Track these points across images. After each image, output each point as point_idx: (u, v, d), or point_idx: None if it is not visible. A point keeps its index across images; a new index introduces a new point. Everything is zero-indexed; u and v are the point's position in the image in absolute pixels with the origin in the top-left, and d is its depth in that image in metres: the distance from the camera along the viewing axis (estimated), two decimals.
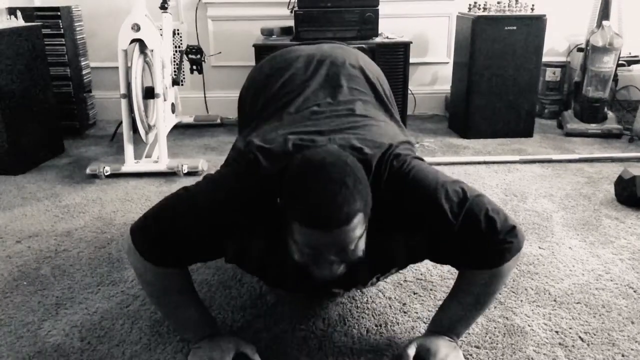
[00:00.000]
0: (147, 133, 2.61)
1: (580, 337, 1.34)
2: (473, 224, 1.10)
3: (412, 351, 1.22)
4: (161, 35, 2.71)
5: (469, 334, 1.35)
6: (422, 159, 1.20)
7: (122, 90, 2.47)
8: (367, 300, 1.51)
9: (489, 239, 1.11)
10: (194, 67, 3.10)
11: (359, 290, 1.54)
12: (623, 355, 1.27)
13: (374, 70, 1.51)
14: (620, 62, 3.13)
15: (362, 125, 1.23)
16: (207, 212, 1.12)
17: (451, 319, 1.26)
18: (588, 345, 1.31)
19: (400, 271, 1.64)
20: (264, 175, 1.09)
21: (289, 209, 1.00)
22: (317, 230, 0.96)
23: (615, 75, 3.14)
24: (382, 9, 2.97)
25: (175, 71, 3.09)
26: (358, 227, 0.99)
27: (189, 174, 2.49)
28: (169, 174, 2.50)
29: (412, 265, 1.64)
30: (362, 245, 1.03)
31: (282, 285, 1.30)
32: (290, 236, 1.02)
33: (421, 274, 1.64)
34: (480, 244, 1.12)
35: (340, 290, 1.25)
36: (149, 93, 2.58)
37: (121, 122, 2.58)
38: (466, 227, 1.10)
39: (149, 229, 1.16)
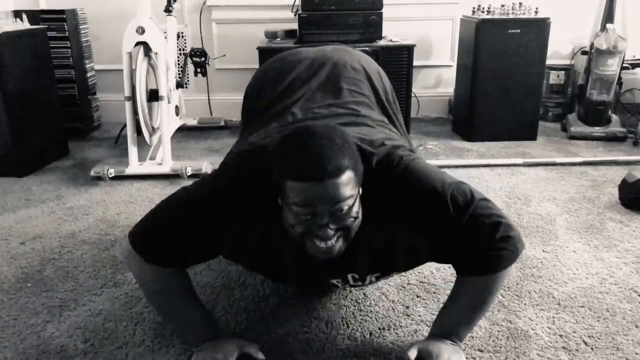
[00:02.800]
0: (151, 135, 2.62)
1: (584, 341, 1.34)
2: (477, 226, 1.10)
3: (413, 354, 1.22)
4: (165, 38, 2.72)
5: (472, 337, 1.35)
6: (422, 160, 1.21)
7: (127, 92, 2.48)
8: (370, 303, 1.51)
9: (489, 244, 1.11)
10: (198, 70, 3.10)
11: (361, 292, 1.54)
12: (627, 359, 1.27)
13: (376, 73, 1.51)
14: (624, 65, 3.13)
15: (362, 124, 1.25)
16: (205, 201, 1.14)
17: (452, 323, 1.26)
18: (592, 349, 1.31)
19: (403, 274, 1.64)
20: (261, 169, 1.11)
21: (282, 170, 1.02)
22: (308, 182, 0.99)
23: (620, 78, 3.13)
24: (386, 12, 2.98)
25: (179, 74, 3.10)
26: (349, 186, 1.01)
27: (193, 176, 2.50)
28: (173, 176, 2.50)
29: (415, 269, 1.64)
30: (355, 209, 1.04)
31: (280, 276, 1.30)
32: (285, 205, 1.03)
33: (424, 277, 1.63)
34: (480, 247, 1.12)
35: (338, 281, 1.24)
36: (153, 95, 2.59)
37: (125, 125, 2.59)
38: (470, 228, 1.10)
39: (147, 229, 1.18)
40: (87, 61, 3.26)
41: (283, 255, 1.17)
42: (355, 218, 1.06)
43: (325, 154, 0.99)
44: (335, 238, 1.05)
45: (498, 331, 1.38)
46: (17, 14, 2.78)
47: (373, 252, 1.16)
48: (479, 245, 1.12)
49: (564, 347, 1.31)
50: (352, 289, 1.56)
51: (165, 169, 2.53)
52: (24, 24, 2.69)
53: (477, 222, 1.10)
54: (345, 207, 1.02)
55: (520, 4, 2.97)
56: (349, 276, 1.23)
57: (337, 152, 1.00)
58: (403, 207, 1.12)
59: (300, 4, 2.92)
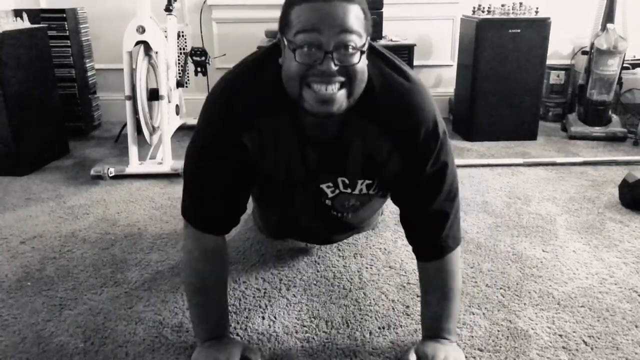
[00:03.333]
0: (151, 135, 2.62)
1: (584, 340, 1.34)
2: (438, 187, 1.18)
3: (413, 358, 1.22)
4: (166, 37, 2.72)
5: (472, 336, 1.35)
6: None
7: (127, 92, 2.48)
8: (370, 302, 1.51)
9: (434, 231, 1.21)
10: (199, 69, 3.10)
11: (361, 291, 1.54)
12: (627, 359, 1.27)
13: None
14: (624, 65, 3.13)
15: None
16: (214, 127, 1.16)
17: (434, 320, 1.27)
18: (592, 349, 1.31)
19: (403, 274, 1.64)
20: (256, 72, 1.15)
21: (287, 6, 1.03)
22: (316, 2, 0.98)
23: (620, 78, 3.13)
24: (386, 11, 2.98)
25: (179, 73, 3.10)
26: (357, 22, 1.00)
27: None
28: (173, 176, 2.50)
29: (414, 268, 1.64)
30: (361, 59, 1.02)
31: (278, 176, 1.28)
32: (288, 46, 1.02)
33: None
34: (428, 235, 1.22)
35: (329, 186, 1.25)
36: (154, 95, 2.59)
37: (126, 124, 2.59)
38: (431, 185, 1.17)
39: (186, 196, 1.24)
40: (87, 60, 3.26)
41: (288, 153, 1.19)
42: (360, 69, 1.03)
43: None
44: (338, 85, 1.01)
45: (498, 331, 1.38)
46: (18, 13, 2.79)
47: (363, 155, 1.18)
48: (430, 229, 1.21)
49: (563, 347, 1.31)
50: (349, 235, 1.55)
51: (166, 168, 2.53)
52: (25, 23, 2.69)
53: (439, 181, 1.17)
54: (351, 44, 0.99)
55: (521, 3, 2.98)
56: (339, 180, 1.24)
57: None
58: (397, 120, 1.13)
59: None
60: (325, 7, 0.98)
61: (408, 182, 1.19)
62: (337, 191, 1.28)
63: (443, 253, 1.23)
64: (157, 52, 2.54)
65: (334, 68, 0.99)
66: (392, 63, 1.16)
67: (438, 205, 1.19)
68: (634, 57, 3.42)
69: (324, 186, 1.26)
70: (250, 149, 1.17)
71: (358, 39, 1.01)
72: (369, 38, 1.05)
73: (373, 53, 1.14)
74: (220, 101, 1.17)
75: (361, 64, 1.03)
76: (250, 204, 1.49)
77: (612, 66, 3.04)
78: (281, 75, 1.08)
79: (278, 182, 1.27)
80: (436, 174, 1.17)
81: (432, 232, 1.22)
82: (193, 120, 3.30)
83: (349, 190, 1.26)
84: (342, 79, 1.01)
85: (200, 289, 1.27)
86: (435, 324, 1.26)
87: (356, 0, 1.01)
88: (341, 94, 1.03)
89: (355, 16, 1.00)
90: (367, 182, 1.25)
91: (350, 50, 1.00)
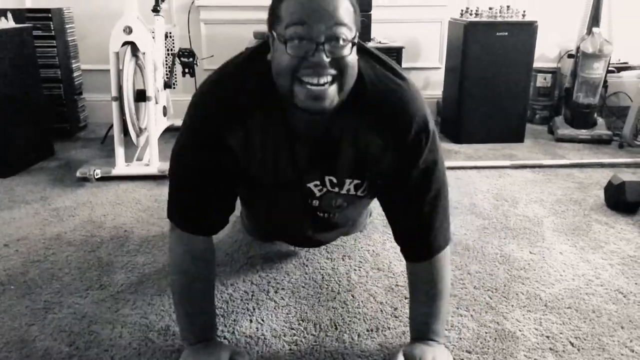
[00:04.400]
0: (138, 136, 2.60)
1: (570, 342, 1.34)
2: (426, 187, 1.17)
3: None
4: (153, 38, 2.70)
5: (460, 338, 1.35)
6: None
7: (114, 93, 2.46)
8: (358, 305, 1.50)
9: (423, 231, 1.21)
10: (186, 70, 3.08)
11: (349, 294, 1.54)
12: None
13: None
14: (610, 68, 3.16)
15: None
16: (203, 108, 1.17)
17: (422, 322, 1.26)
18: (578, 350, 1.31)
19: (391, 275, 1.64)
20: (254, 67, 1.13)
21: (276, 0, 1.03)
22: None
23: (605, 81, 3.17)
24: (375, 14, 2.98)
25: (167, 74, 3.08)
26: (348, 15, 1.00)
27: None
28: (160, 177, 2.48)
29: (403, 270, 1.64)
30: (352, 52, 1.02)
31: (269, 183, 1.27)
32: (278, 40, 1.02)
33: None
34: (417, 233, 1.21)
35: (316, 184, 1.25)
36: (141, 96, 2.57)
37: (112, 125, 2.57)
38: (419, 190, 1.17)
39: (171, 198, 1.24)
40: (73, 61, 3.23)
41: (276, 152, 1.18)
42: (351, 62, 1.03)
43: None
44: (330, 78, 1.01)
45: (486, 332, 1.38)
46: (2, 12, 2.74)
47: (354, 152, 1.17)
48: (419, 229, 1.21)
49: (550, 349, 1.32)
50: (337, 239, 1.54)
51: (153, 169, 2.51)
52: (9, 23, 2.65)
53: (429, 180, 1.17)
54: (342, 36, 1.00)
55: (508, 7, 3.00)
56: (327, 179, 1.23)
57: None
58: (388, 115, 1.13)
59: None
60: (316, 0, 0.99)
61: (398, 180, 1.18)
62: (324, 190, 1.27)
63: (432, 253, 1.22)
64: (144, 53, 2.52)
65: (326, 60, 0.99)
66: (383, 62, 1.17)
67: (427, 204, 1.18)
68: (619, 60, 3.47)
69: (311, 185, 1.26)
70: (237, 150, 1.16)
71: (348, 32, 1.01)
72: (358, 32, 1.05)
73: (364, 52, 1.14)
74: (205, 102, 1.17)
75: (352, 56, 1.03)
76: (238, 206, 1.48)
77: (597, 69, 3.08)
78: (268, 73, 1.08)
79: (265, 182, 1.26)
80: (426, 172, 1.16)
81: (421, 232, 1.21)
82: (180, 122, 3.28)
83: (336, 190, 1.26)
84: (333, 71, 1.01)
85: (187, 291, 1.26)
86: (423, 326, 1.26)
87: None
88: (332, 89, 1.03)
89: (345, 9, 1.01)
90: (356, 182, 1.25)
91: (341, 43, 1.00)
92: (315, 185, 1.26)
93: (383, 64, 1.16)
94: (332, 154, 1.18)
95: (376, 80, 1.12)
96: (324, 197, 1.29)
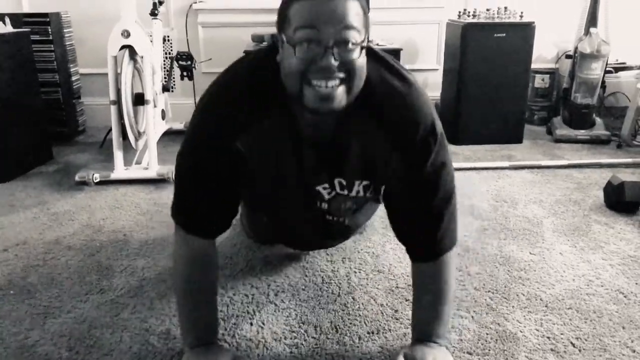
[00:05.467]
0: (136, 140, 2.60)
1: (571, 342, 1.34)
2: (435, 188, 1.17)
3: None
4: (151, 41, 2.70)
5: (461, 340, 1.35)
6: None
7: (112, 96, 2.46)
8: (358, 307, 1.50)
9: (431, 231, 1.19)
10: (184, 74, 3.08)
11: (349, 296, 1.53)
12: None
13: None
14: (607, 68, 3.17)
15: None
16: (210, 114, 1.16)
17: (425, 323, 1.26)
18: (580, 350, 1.31)
19: (391, 277, 1.64)
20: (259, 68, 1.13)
21: (285, 3, 1.03)
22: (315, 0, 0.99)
23: (603, 82, 3.17)
24: (373, 16, 2.96)
25: (165, 77, 3.08)
26: (357, 18, 1.00)
27: None
28: (159, 181, 2.48)
29: (403, 272, 1.64)
30: (361, 55, 1.02)
31: (277, 189, 1.28)
32: (288, 42, 1.01)
33: None
34: (424, 232, 1.20)
35: (325, 187, 1.24)
36: (139, 99, 2.57)
37: (111, 129, 2.56)
38: (427, 186, 1.16)
39: (177, 198, 1.23)
40: (71, 65, 3.22)
41: (284, 155, 1.18)
42: (360, 65, 1.03)
43: None
44: (338, 81, 1.01)
45: (487, 334, 1.38)
46: (0, 17, 2.75)
47: (362, 154, 1.17)
48: (427, 229, 1.20)
49: (552, 349, 1.32)
50: (338, 242, 1.54)
51: (152, 173, 2.50)
52: (7, 28, 2.65)
53: (437, 181, 1.16)
54: (352, 39, 1.00)
55: (506, 8, 3.00)
56: (336, 181, 1.23)
57: None
58: (396, 118, 1.13)
59: None
60: (325, 3, 0.99)
61: (406, 181, 1.18)
62: (333, 193, 1.27)
63: (439, 254, 1.22)
64: (142, 57, 2.52)
65: (334, 64, 0.99)
66: (392, 66, 1.17)
67: (435, 204, 1.18)
68: (617, 60, 3.48)
69: (320, 187, 1.25)
70: (245, 153, 1.16)
71: (358, 35, 1.01)
72: (368, 35, 1.05)
73: (373, 56, 1.14)
74: (213, 106, 1.16)
75: (361, 59, 1.03)
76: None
77: (595, 70, 3.08)
78: (276, 76, 1.08)
79: (272, 185, 1.26)
80: (435, 173, 1.16)
81: (429, 232, 1.21)
82: (179, 125, 3.28)
83: (345, 192, 1.26)
84: (342, 75, 1.01)
85: (189, 293, 1.25)
86: (426, 328, 1.26)
87: None
88: (341, 90, 1.03)
89: (355, 12, 1.00)
90: (365, 183, 1.24)
91: (350, 46, 1.00)
92: (324, 188, 1.26)
93: (390, 67, 1.16)
94: (340, 157, 1.18)
95: (384, 85, 1.13)
96: (333, 200, 1.29)
